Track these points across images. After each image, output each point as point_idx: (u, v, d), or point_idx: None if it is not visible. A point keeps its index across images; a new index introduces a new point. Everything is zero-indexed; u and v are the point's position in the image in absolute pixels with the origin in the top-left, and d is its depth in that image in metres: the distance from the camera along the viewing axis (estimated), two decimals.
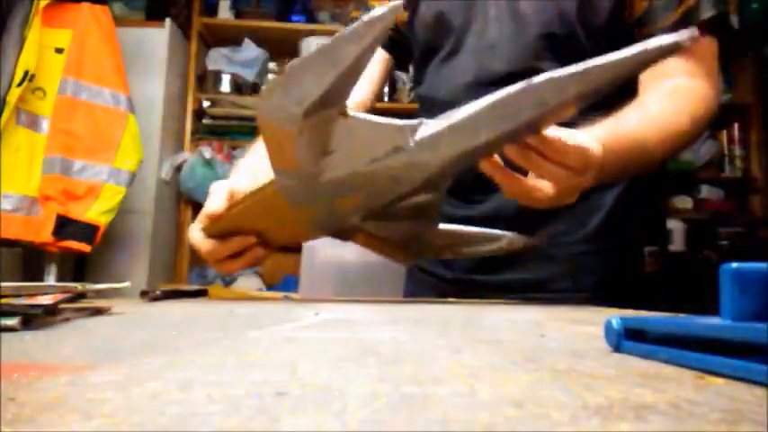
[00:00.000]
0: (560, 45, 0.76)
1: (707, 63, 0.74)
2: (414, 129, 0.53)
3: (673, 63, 0.73)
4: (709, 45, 0.75)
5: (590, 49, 0.76)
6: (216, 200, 0.64)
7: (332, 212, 0.60)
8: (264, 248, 0.66)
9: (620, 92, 0.74)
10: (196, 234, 0.66)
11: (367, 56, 0.46)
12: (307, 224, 0.62)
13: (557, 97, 0.50)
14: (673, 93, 0.72)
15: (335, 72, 0.46)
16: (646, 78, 0.74)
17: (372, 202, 0.59)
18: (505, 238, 0.67)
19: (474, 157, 0.55)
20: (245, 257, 0.66)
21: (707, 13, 0.72)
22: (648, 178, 0.80)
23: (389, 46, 0.92)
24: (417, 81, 0.90)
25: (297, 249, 1.28)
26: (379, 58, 0.93)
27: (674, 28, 0.73)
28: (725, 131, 2.87)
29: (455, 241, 0.68)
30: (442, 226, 0.65)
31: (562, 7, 0.75)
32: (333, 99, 0.49)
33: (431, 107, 0.85)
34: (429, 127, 0.53)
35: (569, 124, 0.62)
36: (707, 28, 0.73)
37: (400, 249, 0.66)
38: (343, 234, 0.64)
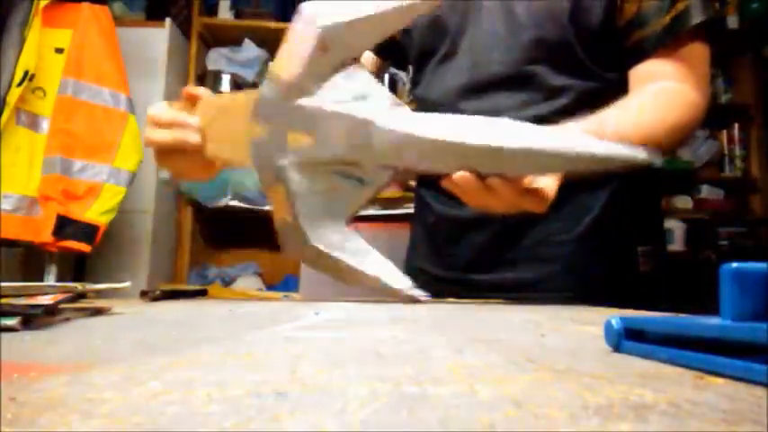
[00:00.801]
0: (553, 49, 0.76)
1: (697, 68, 0.74)
2: (396, 108, 0.58)
3: (662, 66, 0.73)
4: (700, 50, 0.75)
5: (582, 54, 0.76)
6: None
7: (278, 141, 0.61)
8: (199, 148, 0.65)
9: (612, 91, 0.75)
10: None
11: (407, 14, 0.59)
12: (248, 143, 0.63)
13: (525, 168, 0.55)
14: (659, 97, 0.72)
15: (372, 13, 0.58)
16: (636, 80, 0.75)
17: (316, 152, 0.60)
18: (382, 281, 0.61)
19: (431, 167, 0.59)
20: (181, 155, 0.67)
21: (697, 18, 0.72)
22: (643, 177, 0.80)
23: (378, 50, 0.93)
24: (415, 82, 0.91)
25: None
26: (368, 61, 0.94)
27: (665, 33, 0.73)
28: (725, 131, 2.87)
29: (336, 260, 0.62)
30: (351, 233, 0.62)
31: (555, 11, 0.76)
32: (359, 40, 0.59)
33: (427, 108, 0.86)
34: (409, 120, 0.57)
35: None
36: (698, 33, 0.73)
37: (294, 230, 0.62)
38: (264, 173, 0.63)
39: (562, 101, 0.77)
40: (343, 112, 0.59)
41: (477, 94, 0.80)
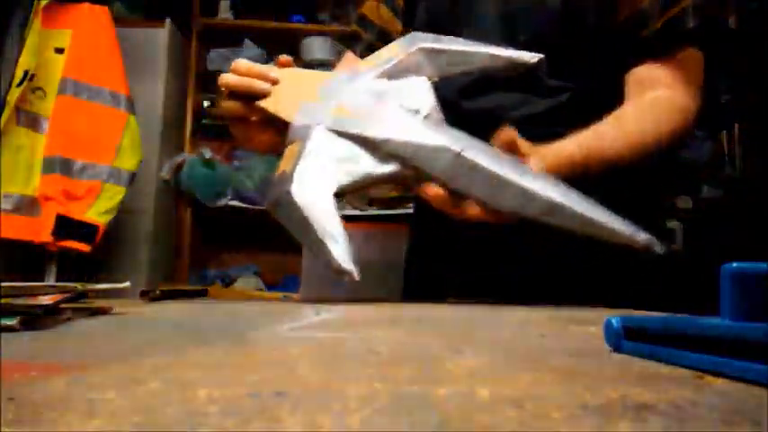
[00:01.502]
0: (548, 49, 0.77)
1: (689, 73, 0.75)
2: (429, 121, 0.63)
3: (656, 72, 0.74)
4: (694, 54, 0.75)
5: (577, 54, 0.77)
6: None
7: (324, 109, 0.66)
8: (264, 94, 0.69)
9: (607, 91, 0.76)
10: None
11: None
12: (300, 105, 0.68)
13: (541, 215, 0.58)
14: (652, 108, 0.74)
15: (465, 49, 0.68)
16: (631, 84, 0.76)
17: (349, 125, 0.64)
18: None
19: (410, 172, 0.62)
20: (248, 116, 0.71)
21: (691, 22, 0.73)
22: (644, 177, 0.81)
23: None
24: None
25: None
26: None
27: (658, 38, 0.74)
28: (725, 131, 2.87)
29: None
30: (331, 204, 0.63)
31: (549, 12, 0.76)
32: (444, 68, 0.68)
33: None
34: (437, 135, 0.60)
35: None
36: (692, 37, 0.74)
37: (285, 180, 0.64)
38: (296, 130, 0.67)
39: (558, 99, 0.77)
40: (388, 107, 0.64)
41: (475, 92, 0.80)
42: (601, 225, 0.57)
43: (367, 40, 0.92)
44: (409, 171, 0.62)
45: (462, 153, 0.59)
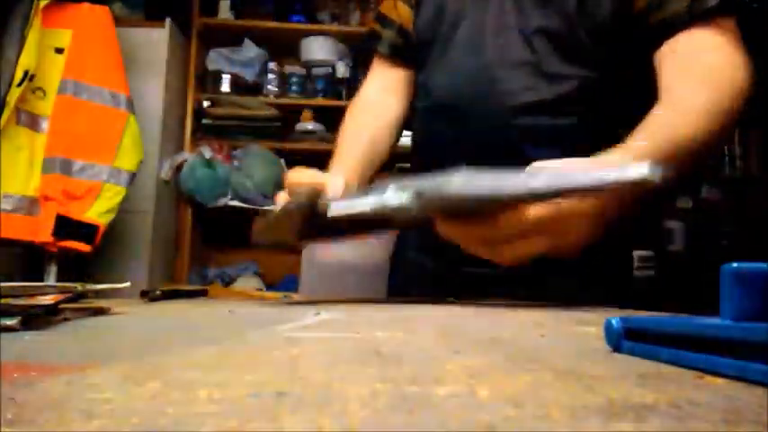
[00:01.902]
0: (559, 38, 0.77)
1: (731, 33, 0.72)
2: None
3: (698, 38, 0.71)
4: (728, 22, 0.73)
5: (588, 44, 0.76)
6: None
7: None
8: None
9: (614, 81, 0.75)
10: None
11: None
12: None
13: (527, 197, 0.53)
14: (707, 77, 0.70)
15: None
16: (671, 57, 0.72)
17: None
18: None
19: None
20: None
21: None
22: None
23: (402, 58, 0.92)
24: (419, 69, 0.91)
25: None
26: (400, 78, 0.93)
27: (687, 12, 0.72)
28: None
29: None
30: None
31: (562, 2, 0.76)
32: None
33: (427, 95, 0.86)
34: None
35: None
36: (721, 8, 0.72)
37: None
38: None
39: (564, 87, 0.77)
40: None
41: (481, 79, 0.80)
42: (603, 183, 0.49)
43: (387, 38, 0.93)
44: (424, 201, 0.57)
45: (463, 176, 0.55)
